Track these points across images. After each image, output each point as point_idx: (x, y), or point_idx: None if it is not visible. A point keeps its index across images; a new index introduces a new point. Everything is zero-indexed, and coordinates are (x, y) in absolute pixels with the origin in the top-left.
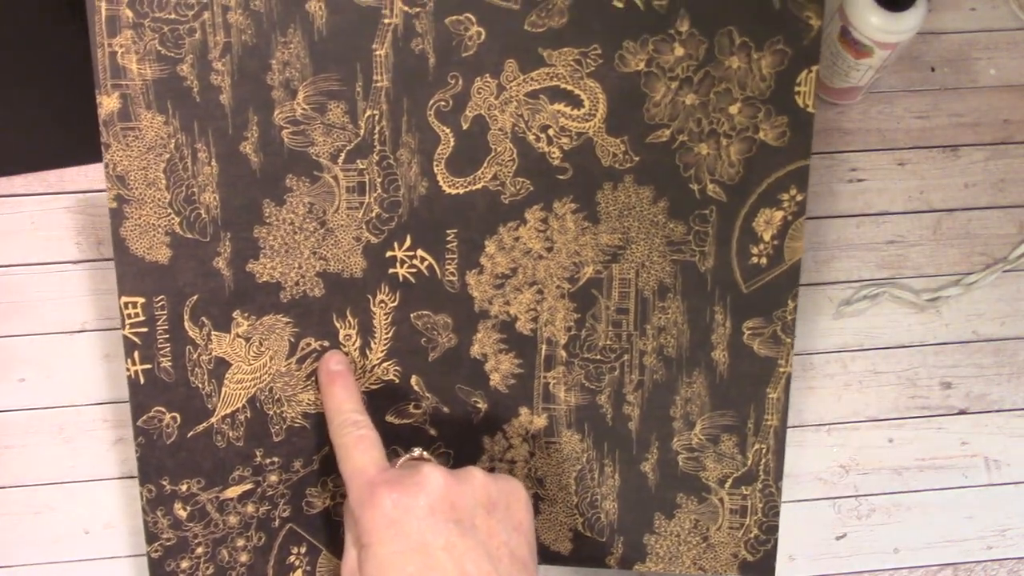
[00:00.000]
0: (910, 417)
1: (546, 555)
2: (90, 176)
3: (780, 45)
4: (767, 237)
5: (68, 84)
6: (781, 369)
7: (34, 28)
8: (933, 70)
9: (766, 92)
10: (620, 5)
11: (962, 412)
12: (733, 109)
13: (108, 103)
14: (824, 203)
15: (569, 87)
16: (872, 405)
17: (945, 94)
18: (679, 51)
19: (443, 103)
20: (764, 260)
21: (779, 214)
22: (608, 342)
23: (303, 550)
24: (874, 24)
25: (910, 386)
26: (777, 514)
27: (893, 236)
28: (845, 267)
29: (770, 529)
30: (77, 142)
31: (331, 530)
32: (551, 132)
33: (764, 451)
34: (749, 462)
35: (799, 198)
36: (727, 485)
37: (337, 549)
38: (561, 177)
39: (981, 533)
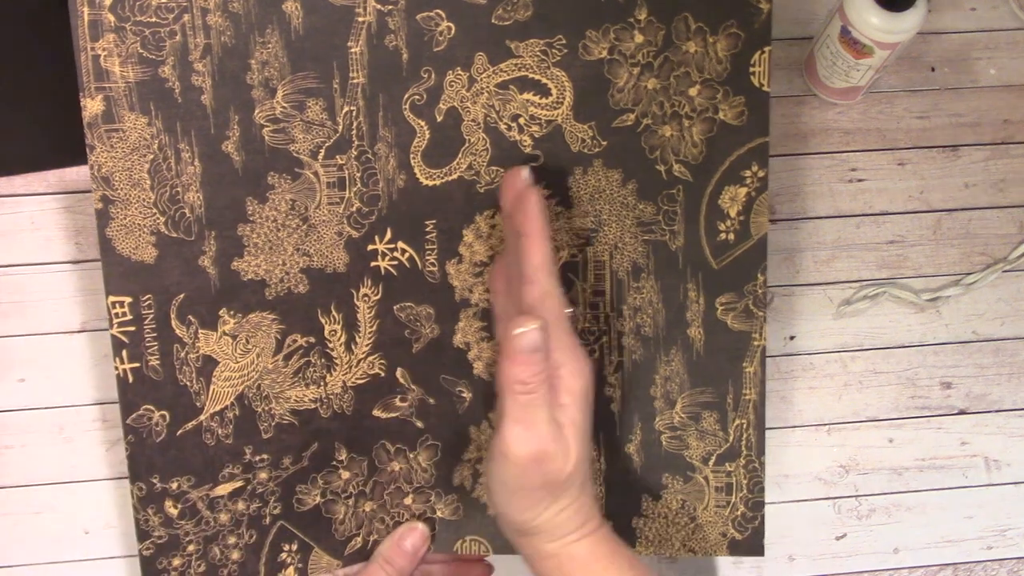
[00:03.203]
0: (910, 417)
1: None
2: (90, 176)
3: (733, 29)
4: (733, 213)
5: (67, 84)
6: (755, 343)
7: (33, 28)
8: (933, 70)
9: (723, 74)
10: None
11: (962, 412)
12: (693, 91)
13: (92, 105)
14: (824, 203)
15: (537, 77)
16: (872, 405)
17: (945, 94)
18: (639, 38)
19: (417, 97)
20: (732, 236)
21: (743, 190)
22: (586, 324)
23: (294, 547)
24: (874, 24)
25: (910, 386)
26: (762, 490)
27: (893, 236)
28: (845, 267)
29: (756, 505)
30: (77, 142)
31: (322, 527)
32: (522, 121)
33: (745, 426)
34: (731, 438)
35: (761, 174)
36: (711, 462)
37: (328, 545)
38: (533, 164)
39: (981, 533)
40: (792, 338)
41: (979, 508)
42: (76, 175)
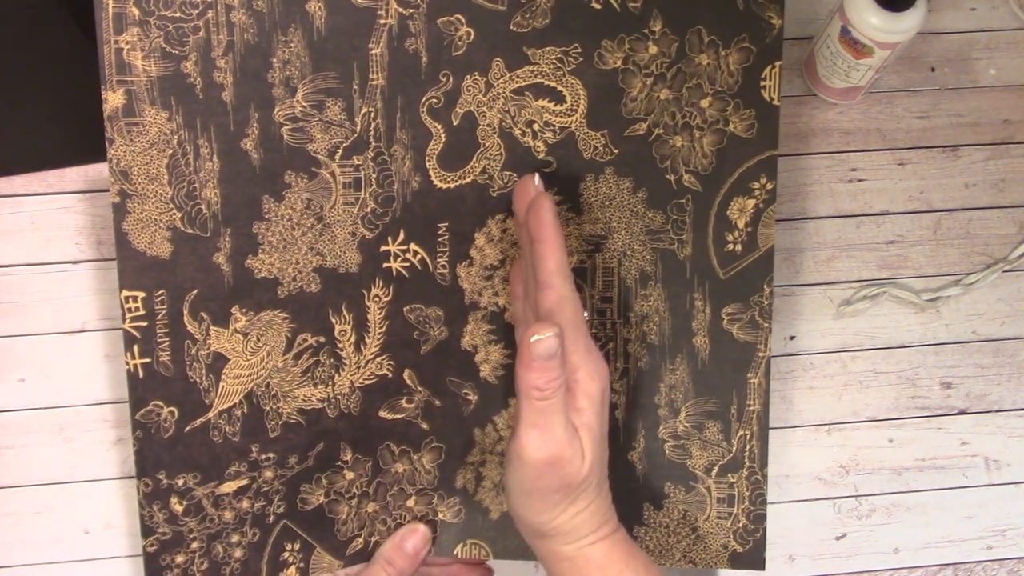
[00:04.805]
0: (910, 417)
1: None
2: (90, 176)
3: (745, 43)
4: (741, 224)
5: (68, 84)
6: (760, 354)
7: (34, 29)
8: (933, 70)
9: (734, 87)
10: (598, 7)
11: (962, 412)
12: (704, 103)
13: (113, 99)
14: (824, 203)
15: (552, 84)
16: (872, 405)
17: (945, 94)
18: (653, 49)
19: (435, 100)
20: (739, 247)
21: (751, 202)
22: (593, 331)
23: (297, 547)
24: (874, 24)
25: (910, 386)
26: (764, 502)
27: (893, 236)
28: (845, 267)
29: (758, 518)
30: (77, 142)
31: (324, 527)
32: (536, 127)
33: (748, 437)
34: (734, 449)
35: (769, 186)
36: (713, 473)
37: (330, 546)
38: (546, 170)
39: (981, 533)
40: (792, 338)
41: (979, 508)
42: (76, 175)
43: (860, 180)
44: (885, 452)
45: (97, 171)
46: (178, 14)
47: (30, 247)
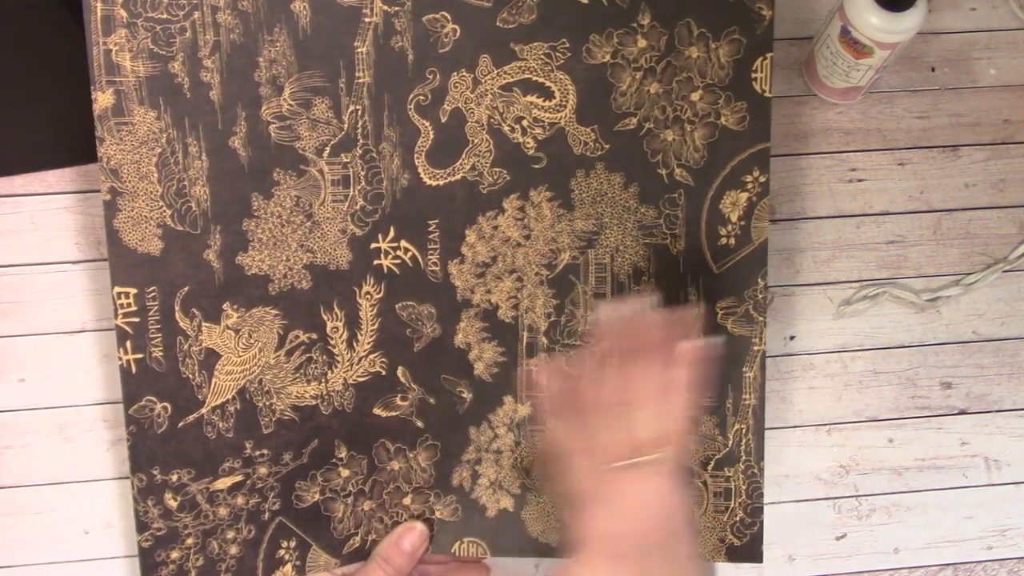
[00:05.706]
0: (910, 417)
1: (536, 547)
2: (90, 176)
3: (736, 35)
4: (734, 218)
5: (68, 85)
6: (755, 347)
7: (34, 29)
8: (933, 70)
9: (725, 79)
10: (585, 1)
11: (962, 412)
12: (695, 96)
13: (103, 99)
14: (824, 203)
15: (540, 79)
16: (872, 405)
17: (945, 94)
18: (642, 43)
19: (422, 97)
20: (732, 240)
21: (744, 195)
22: (587, 327)
23: (293, 544)
24: (874, 24)
25: (910, 386)
26: (761, 496)
27: (893, 236)
28: (845, 267)
29: (755, 511)
30: (77, 142)
31: (320, 524)
32: (525, 123)
33: (744, 431)
34: (730, 443)
35: (762, 179)
36: (710, 467)
37: (327, 543)
38: (536, 166)
39: (981, 533)
40: (792, 338)
41: (979, 508)
42: (76, 175)
43: (860, 180)
44: (885, 452)
45: (97, 171)
46: (165, 15)
47: (30, 247)
